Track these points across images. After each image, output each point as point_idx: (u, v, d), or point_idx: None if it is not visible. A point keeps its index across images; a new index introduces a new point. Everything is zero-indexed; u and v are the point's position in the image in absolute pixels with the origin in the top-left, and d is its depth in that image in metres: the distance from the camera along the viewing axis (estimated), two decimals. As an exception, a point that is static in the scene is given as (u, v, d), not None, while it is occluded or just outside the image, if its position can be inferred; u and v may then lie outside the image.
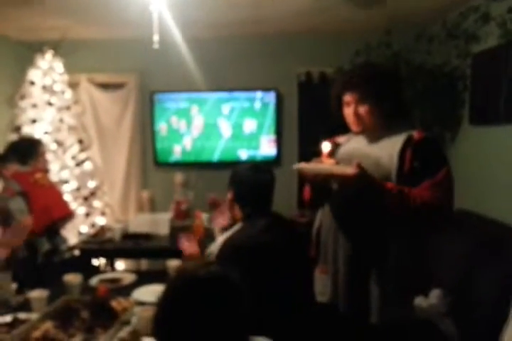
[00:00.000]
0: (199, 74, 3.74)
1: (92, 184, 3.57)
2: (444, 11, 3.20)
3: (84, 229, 3.42)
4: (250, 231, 1.58)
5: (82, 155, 3.51)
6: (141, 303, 1.78)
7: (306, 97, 3.85)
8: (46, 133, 3.26)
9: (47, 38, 3.34)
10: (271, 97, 3.80)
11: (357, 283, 1.61)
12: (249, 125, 3.84)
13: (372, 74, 1.62)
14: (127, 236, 2.85)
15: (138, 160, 3.93)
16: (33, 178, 2.55)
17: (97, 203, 3.60)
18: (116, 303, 1.69)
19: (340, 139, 1.80)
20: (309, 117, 3.85)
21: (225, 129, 3.85)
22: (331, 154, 1.62)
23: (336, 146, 1.76)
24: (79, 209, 3.45)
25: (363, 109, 1.59)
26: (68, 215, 2.76)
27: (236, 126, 3.84)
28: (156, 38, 2.31)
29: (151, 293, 1.89)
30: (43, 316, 1.61)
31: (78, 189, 3.45)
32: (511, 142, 2.57)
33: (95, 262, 3.07)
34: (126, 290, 1.98)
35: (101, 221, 3.58)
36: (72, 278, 1.92)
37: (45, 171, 2.75)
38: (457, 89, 3.16)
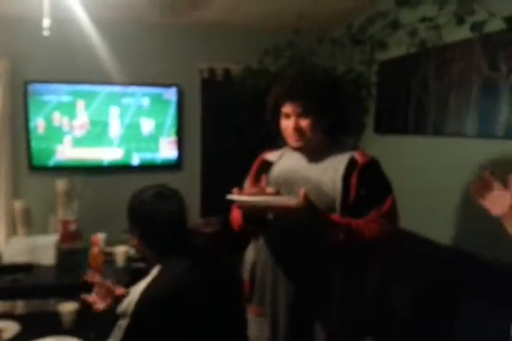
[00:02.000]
0: (86, 63, 3.20)
1: None
2: (350, 14, 3.17)
3: None
4: (169, 277, 1.29)
5: None
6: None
7: (210, 95, 3.55)
8: None
9: None
10: (172, 94, 3.43)
11: (300, 328, 1.43)
12: (147, 125, 3.42)
13: (318, 85, 1.44)
14: (1, 268, 2.20)
15: (7, 163, 3.24)
16: None
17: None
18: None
19: (271, 156, 1.61)
20: (213, 116, 3.56)
21: (117, 129, 3.38)
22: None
23: (265, 164, 1.58)
24: None
25: (305, 123, 1.42)
26: None
27: (131, 125, 3.39)
28: (46, 22, 1.81)
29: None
30: None
31: None
32: (418, 152, 2.61)
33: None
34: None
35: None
36: None
37: None
38: (361, 96, 3.17)
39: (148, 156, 3.46)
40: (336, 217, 1.35)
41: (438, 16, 2.36)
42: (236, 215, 1.50)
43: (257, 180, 1.55)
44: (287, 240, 1.43)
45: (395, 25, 2.74)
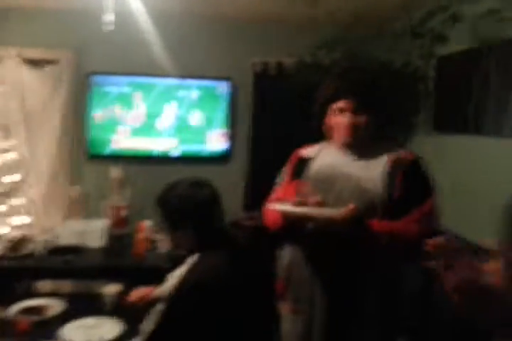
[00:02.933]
0: (145, 56, 3.30)
1: (15, 177, 3.05)
2: (410, 7, 3.04)
3: (5, 230, 2.91)
4: (208, 265, 1.32)
5: (5, 144, 2.97)
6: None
7: (262, 89, 3.55)
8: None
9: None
10: (224, 87, 3.47)
11: (337, 326, 1.42)
12: (198, 117, 3.49)
13: (372, 81, 1.45)
14: (54, 250, 2.33)
15: (68, 151, 3.42)
16: None
17: (19, 200, 3.09)
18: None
19: (307, 152, 1.57)
20: (265, 110, 3.56)
21: (171, 120, 3.47)
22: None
23: (302, 161, 1.55)
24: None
25: (361, 119, 1.41)
26: None
27: (184, 117, 3.47)
28: (109, 17, 1.87)
29: (83, 329, 1.56)
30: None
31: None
32: (477, 151, 2.47)
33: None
34: (53, 324, 1.62)
35: (25, 220, 3.08)
36: None
37: None
38: (418, 92, 3.04)
39: (199, 148, 3.52)
40: (376, 223, 1.32)
41: (502, 10, 2.21)
42: (274, 218, 1.47)
43: (294, 176, 1.54)
44: (326, 246, 1.40)
45: (455, 19, 2.60)
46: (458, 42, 2.61)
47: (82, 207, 3.39)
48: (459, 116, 2.60)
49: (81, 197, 3.39)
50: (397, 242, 1.31)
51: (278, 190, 1.59)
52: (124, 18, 3.06)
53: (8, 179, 2.99)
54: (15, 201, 3.07)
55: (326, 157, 1.51)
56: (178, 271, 1.32)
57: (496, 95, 2.27)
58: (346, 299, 1.41)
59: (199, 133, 3.50)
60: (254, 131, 3.63)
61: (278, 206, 1.31)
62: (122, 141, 3.44)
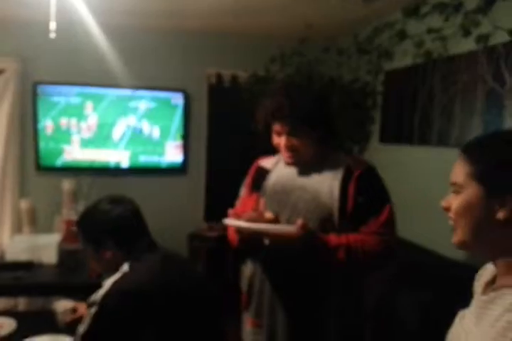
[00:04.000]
0: (96, 66, 3.25)
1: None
2: (357, 24, 3.19)
3: None
4: (139, 272, 1.32)
5: None
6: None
7: (217, 101, 3.58)
8: None
9: None
10: (179, 99, 3.47)
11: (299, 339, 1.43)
12: (153, 128, 3.46)
13: (304, 102, 1.42)
14: (3, 266, 2.23)
15: (15, 163, 3.29)
16: None
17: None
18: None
19: (267, 163, 1.59)
20: (220, 122, 3.59)
21: (124, 131, 3.41)
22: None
23: (261, 171, 1.57)
24: None
25: (296, 141, 1.42)
26: None
27: (137, 128, 3.43)
28: (52, 25, 1.84)
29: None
30: None
31: None
32: (423, 162, 2.61)
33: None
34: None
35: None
36: None
37: None
38: (367, 106, 3.18)
39: (154, 159, 3.49)
40: (333, 238, 1.33)
41: (444, 28, 2.37)
42: (232, 234, 1.48)
43: (254, 188, 1.55)
44: (284, 260, 1.41)
45: (401, 36, 2.75)
46: (403, 57, 2.76)
47: (32, 221, 3.25)
48: (405, 128, 2.74)
49: (30, 210, 3.24)
50: (356, 255, 1.31)
51: (239, 203, 1.61)
52: (72, 28, 3.02)
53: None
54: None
55: (282, 169, 1.53)
56: (111, 278, 1.32)
57: (440, 107, 2.42)
58: (306, 314, 1.42)
59: (154, 145, 3.47)
60: (210, 142, 3.64)
61: (231, 222, 1.31)
62: (74, 152, 3.35)
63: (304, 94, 1.46)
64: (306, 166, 1.48)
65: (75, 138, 3.34)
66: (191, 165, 3.64)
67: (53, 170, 3.37)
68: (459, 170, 0.79)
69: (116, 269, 1.35)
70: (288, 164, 1.49)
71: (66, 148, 3.33)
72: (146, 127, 3.44)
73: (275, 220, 1.32)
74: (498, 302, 0.72)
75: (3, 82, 3.16)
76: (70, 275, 2.27)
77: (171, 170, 3.57)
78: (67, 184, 3.22)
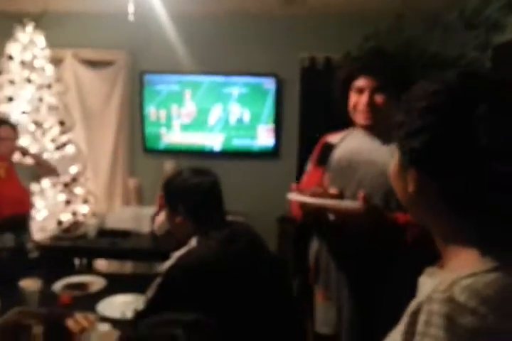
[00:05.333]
0: (193, 54, 3.45)
1: (73, 169, 3.32)
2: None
3: (66, 217, 3.18)
4: (206, 247, 1.35)
5: (63, 138, 3.24)
6: (105, 319, 1.56)
7: (310, 84, 3.55)
8: (24, 112, 2.98)
9: (28, 10, 3.01)
10: (271, 83, 3.52)
11: (364, 314, 1.39)
12: (247, 112, 3.57)
13: (394, 61, 1.38)
14: (103, 232, 2.54)
15: (125, 146, 3.66)
16: None
17: (78, 190, 3.36)
18: (73, 322, 1.46)
19: (333, 138, 1.53)
20: (312, 106, 3.55)
21: (219, 116, 3.58)
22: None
23: (327, 147, 1.51)
24: (59, 196, 3.21)
25: (380, 99, 1.33)
26: (22, 213, 2.37)
27: (231, 113, 3.57)
28: (131, 8, 2.01)
29: (117, 305, 1.67)
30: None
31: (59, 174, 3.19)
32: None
33: (73, 261, 2.71)
34: (93, 299, 1.75)
35: (84, 209, 3.34)
36: (29, 284, 1.68)
37: (6, 159, 2.36)
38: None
39: (247, 143, 3.60)
40: (400, 216, 1.24)
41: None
42: (296, 209, 1.45)
43: (319, 163, 1.51)
44: (350, 248, 1.36)
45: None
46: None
47: (139, 197, 3.60)
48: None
49: (137, 188, 3.60)
50: (427, 238, 1.24)
51: (304, 178, 1.59)
52: (173, 21, 3.23)
53: (68, 170, 3.24)
54: (75, 191, 3.32)
55: (349, 143, 1.46)
56: (179, 251, 1.38)
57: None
58: (370, 291, 1.38)
59: (247, 129, 3.58)
60: (302, 127, 3.64)
61: (295, 196, 1.28)
62: (175, 136, 3.61)
63: (393, 56, 1.43)
64: (378, 136, 1.39)
65: (176, 123, 3.59)
66: (283, 149, 3.68)
67: (157, 152, 3.67)
68: None
69: (187, 237, 1.44)
70: (363, 126, 1.40)
71: (168, 132, 3.60)
72: (238, 112, 3.55)
73: (340, 196, 1.27)
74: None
75: (114, 72, 3.53)
76: (162, 243, 2.45)
77: (263, 154, 3.65)
78: (168, 164, 3.51)
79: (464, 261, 0.58)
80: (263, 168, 3.71)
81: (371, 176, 1.35)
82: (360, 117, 1.38)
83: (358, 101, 1.36)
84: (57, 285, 1.90)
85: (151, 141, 3.64)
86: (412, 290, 1.32)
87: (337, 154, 1.46)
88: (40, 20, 3.05)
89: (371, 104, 1.33)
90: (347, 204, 1.24)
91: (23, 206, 2.37)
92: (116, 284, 1.94)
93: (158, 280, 1.34)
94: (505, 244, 0.57)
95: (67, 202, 3.28)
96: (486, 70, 2.74)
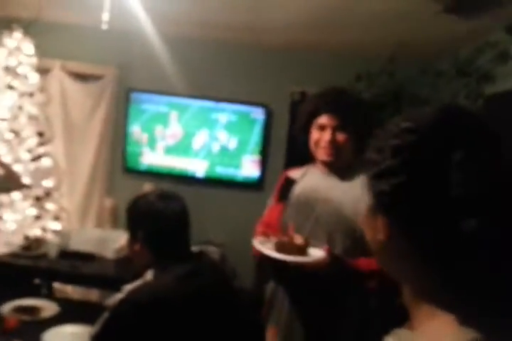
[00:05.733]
0: (183, 76, 3.40)
1: (47, 183, 3.18)
2: (456, 44, 2.96)
3: (35, 232, 3.00)
4: (160, 283, 1.24)
5: (41, 150, 3.11)
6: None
7: (299, 118, 3.53)
8: (2, 119, 2.87)
9: (18, 16, 2.95)
10: (259, 113, 3.48)
11: None
12: (233, 141, 3.50)
13: (358, 100, 1.44)
14: (65, 254, 2.36)
15: (105, 163, 3.54)
16: None
17: (50, 206, 3.20)
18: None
19: (294, 173, 1.54)
20: (300, 140, 3.51)
21: (204, 142, 3.51)
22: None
23: (289, 182, 1.51)
24: (28, 210, 3.05)
25: (342, 137, 1.37)
26: None
27: (217, 139, 3.50)
28: (105, 17, 1.95)
29: (64, 336, 1.53)
30: None
31: (29, 187, 3.05)
32: None
33: (34, 282, 2.49)
34: (41, 326, 1.61)
35: (54, 226, 3.18)
36: None
37: None
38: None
39: (230, 172, 3.52)
40: (365, 262, 1.24)
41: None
42: (256, 250, 1.39)
43: (280, 198, 1.51)
44: (306, 281, 1.33)
45: (505, 56, 2.49)
46: (506, 80, 2.49)
47: (113, 219, 3.45)
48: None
49: (113, 209, 3.45)
50: (390, 282, 1.18)
51: (266, 212, 1.58)
52: (166, 41, 3.21)
53: (42, 184, 3.10)
54: (47, 206, 3.17)
55: (309, 179, 1.47)
56: (132, 284, 1.27)
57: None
58: (322, 320, 1.36)
59: (232, 158, 3.51)
60: (288, 160, 3.59)
61: (261, 247, 1.28)
62: (157, 158, 3.51)
63: (355, 95, 1.47)
64: (335, 174, 1.42)
65: (159, 145, 3.50)
66: (267, 181, 3.60)
67: (137, 173, 3.56)
68: None
69: (144, 268, 1.33)
70: (323, 162, 1.42)
71: (150, 153, 3.51)
72: (225, 139, 3.49)
73: (305, 245, 1.27)
74: None
75: (100, 87, 3.45)
76: (124, 270, 2.30)
77: (247, 185, 3.56)
78: (147, 186, 3.38)
79: (440, 328, 0.49)
80: (245, 199, 3.62)
81: (327, 214, 1.36)
82: (321, 153, 1.40)
83: (320, 138, 1.39)
84: (6, 307, 1.74)
85: (132, 161, 3.54)
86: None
87: (297, 190, 1.47)
88: (31, 28, 2.99)
89: (333, 142, 1.37)
90: (312, 259, 1.24)
91: None
92: (70, 312, 1.79)
93: (106, 315, 1.21)
94: (484, 308, 0.49)
95: (37, 217, 3.12)
96: (470, 109, 2.74)
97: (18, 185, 2.50)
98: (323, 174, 1.45)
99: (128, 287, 1.28)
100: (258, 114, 3.48)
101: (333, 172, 1.43)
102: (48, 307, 1.79)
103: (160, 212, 1.29)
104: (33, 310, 1.75)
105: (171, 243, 1.30)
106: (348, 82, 3.08)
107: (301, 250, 1.26)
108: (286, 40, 3.29)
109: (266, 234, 1.33)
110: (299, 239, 1.28)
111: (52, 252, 2.34)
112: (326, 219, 1.36)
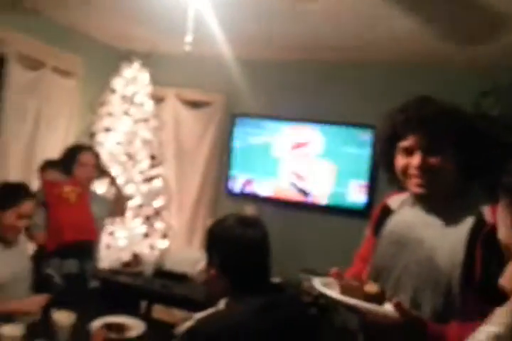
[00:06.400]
0: (288, 100, 3.37)
1: (157, 203, 3.34)
2: None
3: (144, 250, 3.16)
4: (232, 314, 1.13)
5: (152, 172, 3.30)
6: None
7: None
8: (118, 143, 3.11)
9: (136, 48, 3.22)
10: (367, 135, 3.26)
11: None
12: (337, 164, 3.33)
13: (452, 110, 1.09)
14: (160, 273, 2.40)
15: (211, 185, 3.63)
16: (58, 191, 2.29)
17: (159, 224, 3.35)
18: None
19: (394, 200, 1.25)
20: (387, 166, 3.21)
21: (311, 166, 3.39)
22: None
23: (386, 212, 1.23)
24: (138, 228, 3.23)
25: (435, 161, 1.06)
26: (86, 241, 2.34)
27: (322, 162, 3.36)
28: (189, 38, 1.97)
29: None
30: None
31: (141, 206, 3.23)
32: None
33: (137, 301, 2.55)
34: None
35: (161, 244, 3.31)
36: (62, 317, 1.58)
37: (82, 185, 2.40)
38: None
39: (337, 197, 3.33)
40: (455, 327, 0.94)
41: None
42: None
43: (374, 231, 1.26)
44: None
45: None
46: None
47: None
48: None
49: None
50: None
51: (362, 244, 1.36)
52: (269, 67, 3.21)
53: (153, 204, 3.27)
54: (156, 225, 3.32)
55: (406, 212, 1.19)
56: (202, 312, 1.17)
57: None
58: None
59: (339, 181, 3.32)
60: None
61: (321, 287, 1.03)
62: (256, 184, 3.49)
63: (453, 107, 1.11)
64: (434, 206, 1.12)
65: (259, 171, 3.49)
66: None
67: (240, 196, 3.56)
68: None
69: (218, 295, 1.24)
70: (416, 195, 1.13)
71: (253, 177, 3.50)
72: (330, 162, 3.34)
73: (379, 295, 0.99)
74: None
75: (209, 113, 3.58)
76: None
77: (352, 211, 3.33)
78: (248, 209, 3.36)
79: None
80: (351, 226, 3.38)
81: (417, 263, 1.08)
82: (411, 184, 1.10)
83: (405, 163, 1.10)
84: (97, 323, 1.79)
85: (235, 184, 3.56)
86: None
87: (390, 224, 1.20)
88: (147, 59, 3.23)
89: (424, 167, 1.06)
90: (382, 311, 0.96)
91: (88, 234, 2.36)
92: (154, 333, 1.78)
93: None
94: None
95: (146, 235, 3.28)
96: None
97: (121, 211, 2.64)
98: (417, 206, 1.16)
99: (198, 315, 1.20)
100: (366, 136, 3.26)
101: (431, 206, 1.13)
102: (135, 327, 1.79)
103: (236, 238, 1.22)
104: (120, 328, 1.77)
105: (247, 271, 1.21)
106: (472, 99, 2.76)
107: (371, 299, 0.99)
108: (396, 56, 3.07)
109: (340, 276, 1.08)
110: (372, 287, 1.02)
111: (148, 270, 2.40)
112: (414, 268, 1.09)
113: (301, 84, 3.39)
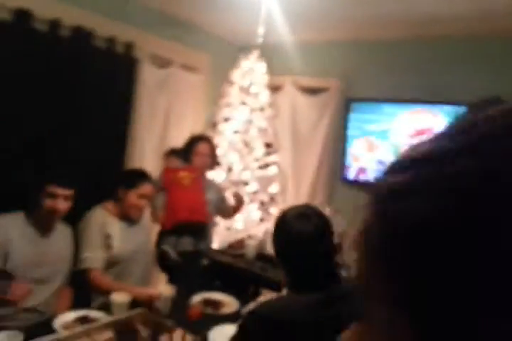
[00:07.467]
0: (406, 82, 3.15)
1: (273, 189, 3.47)
2: None
3: (259, 234, 3.34)
4: (293, 300, 1.18)
5: (268, 159, 3.42)
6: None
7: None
8: (236, 132, 3.30)
9: (252, 41, 3.30)
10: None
11: None
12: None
13: None
14: (262, 256, 2.52)
15: (326, 172, 3.62)
16: (174, 175, 2.53)
17: (274, 210, 3.49)
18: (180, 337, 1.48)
19: None
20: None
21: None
22: None
23: None
24: (254, 212, 3.40)
25: None
26: (198, 222, 2.55)
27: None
28: (261, 30, 1.96)
29: (222, 337, 1.62)
30: (104, 325, 1.54)
31: (256, 192, 3.39)
32: None
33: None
34: (219, 320, 1.75)
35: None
36: (119, 297, 1.75)
37: (197, 172, 2.62)
38: None
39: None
40: None
41: None
42: None
43: None
44: None
45: None
46: None
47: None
48: None
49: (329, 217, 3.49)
50: None
51: None
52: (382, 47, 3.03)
53: (268, 190, 3.41)
54: (271, 210, 3.46)
55: None
56: (269, 295, 1.22)
57: None
58: None
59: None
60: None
61: None
62: (372, 171, 3.37)
63: None
64: None
65: (376, 158, 3.35)
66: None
67: (358, 184, 3.48)
68: None
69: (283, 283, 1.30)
70: None
71: (368, 165, 3.40)
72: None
73: None
74: None
75: (325, 99, 3.54)
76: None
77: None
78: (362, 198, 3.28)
79: None
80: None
81: None
82: None
83: None
84: (197, 297, 1.98)
85: (351, 171, 3.49)
86: None
87: None
88: (263, 50, 3.31)
89: None
90: None
91: (199, 215, 2.57)
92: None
93: (239, 321, 1.24)
94: None
95: (261, 220, 3.44)
96: None
97: (230, 214, 2.91)
98: None
99: (262, 298, 1.27)
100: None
101: None
102: (231, 304, 1.94)
103: (289, 232, 1.23)
104: (216, 305, 1.93)
105: (301, 266, 1.21)
106: None
107: None
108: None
109: None
110: None
111: (250, 253, 2.55)
112: None
113: (418, 63, 3.14)
